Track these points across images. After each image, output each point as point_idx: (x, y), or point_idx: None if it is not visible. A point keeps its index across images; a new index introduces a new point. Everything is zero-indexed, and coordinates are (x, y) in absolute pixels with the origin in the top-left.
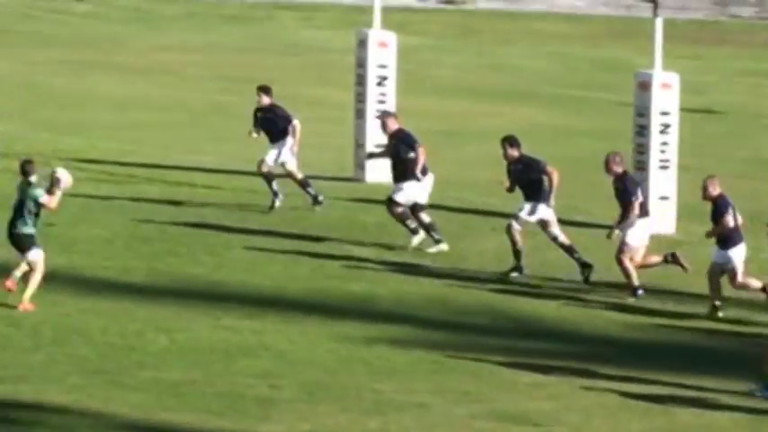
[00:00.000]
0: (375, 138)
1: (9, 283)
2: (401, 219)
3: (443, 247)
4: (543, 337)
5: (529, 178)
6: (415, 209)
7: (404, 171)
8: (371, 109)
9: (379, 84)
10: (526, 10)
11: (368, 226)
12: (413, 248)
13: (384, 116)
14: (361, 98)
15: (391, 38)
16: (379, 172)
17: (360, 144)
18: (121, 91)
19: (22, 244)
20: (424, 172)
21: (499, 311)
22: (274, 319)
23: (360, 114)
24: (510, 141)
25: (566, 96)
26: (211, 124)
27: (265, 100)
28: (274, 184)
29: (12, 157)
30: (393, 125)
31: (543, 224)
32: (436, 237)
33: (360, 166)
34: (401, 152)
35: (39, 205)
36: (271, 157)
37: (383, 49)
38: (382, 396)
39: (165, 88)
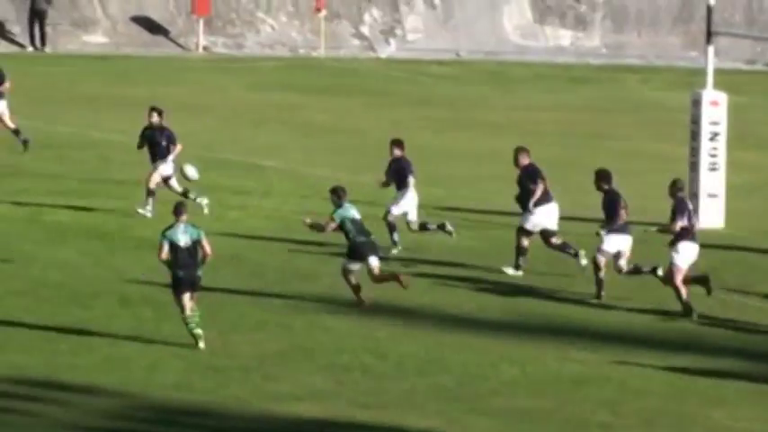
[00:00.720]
0: (708, 188)
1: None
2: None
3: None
4: None
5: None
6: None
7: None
8: (704, 162)
9: (712, 139)
10: None
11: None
12: None
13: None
14: (694, 152)
15: (723, 98)
16: (710, 217)
17: (694, 193)
18: (477, 146)
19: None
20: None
21: None
22: (616, 352)
23: (693, 167)
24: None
25: None
26: (560, 176)
27: (397, 152)
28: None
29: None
30: (524, 160)
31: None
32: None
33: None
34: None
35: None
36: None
37: (715, 107)
38: (712, 422)
39: (517, 144)
